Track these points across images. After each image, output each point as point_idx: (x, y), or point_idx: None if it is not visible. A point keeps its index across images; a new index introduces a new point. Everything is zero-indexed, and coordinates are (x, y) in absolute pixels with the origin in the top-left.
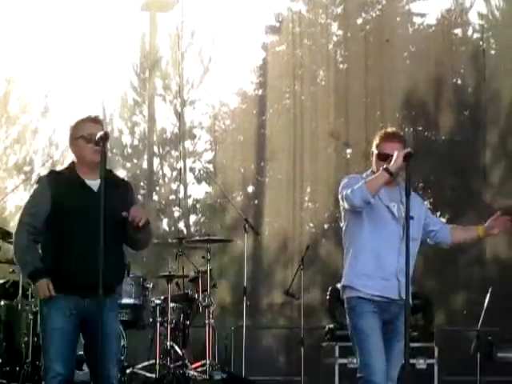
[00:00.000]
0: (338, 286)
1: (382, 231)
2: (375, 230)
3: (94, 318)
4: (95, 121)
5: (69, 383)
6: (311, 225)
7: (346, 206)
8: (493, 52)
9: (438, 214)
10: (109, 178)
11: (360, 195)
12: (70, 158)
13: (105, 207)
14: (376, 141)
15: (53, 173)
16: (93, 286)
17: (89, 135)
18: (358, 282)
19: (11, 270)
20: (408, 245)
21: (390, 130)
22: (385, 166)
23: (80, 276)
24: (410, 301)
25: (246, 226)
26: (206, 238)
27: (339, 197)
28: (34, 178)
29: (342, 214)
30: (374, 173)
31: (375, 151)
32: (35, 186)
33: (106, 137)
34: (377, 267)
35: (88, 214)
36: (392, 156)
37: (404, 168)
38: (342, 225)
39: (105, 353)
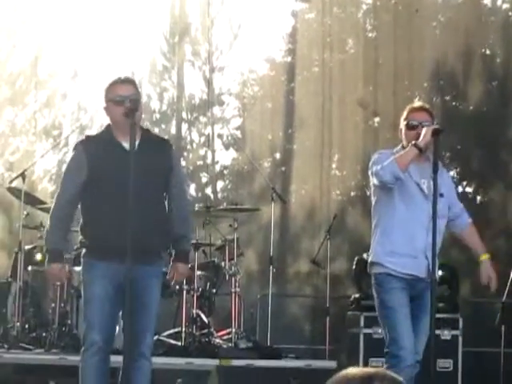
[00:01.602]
0: (365, 256)
1: (412, 208)
2: (405, 206)
3: (132, 287)
4: (124, 82)
5: (106, 351)
6: (338, 192)
7: (376, 182)
8: None
9: (465, 183)
10: (146, 137)
11: (390, 171)
12: (99, 122)
13: (144, 167)
14: (403, 115)
15: (88, 138)
16: (133, 250)
17: (118, 97)
18: (386, 258)
19: (39, 235)
20: (435, 221)
21: (416, 103)
22: (414, 142)
23: (118, 240)
24: (437, 275)
25: (273, 194)
26: (234, 207)
27: (369, 172)
28: (63, 141)
29: (372, 189)
30: (403, 148)
31: (403, 124)
32: (72, 153)
33: (134, 108)
34: (406, 244)
35: (123, 174)
36: (421, 124)
37: (432, 143)
38: (372, 199)
39: (141, 321)
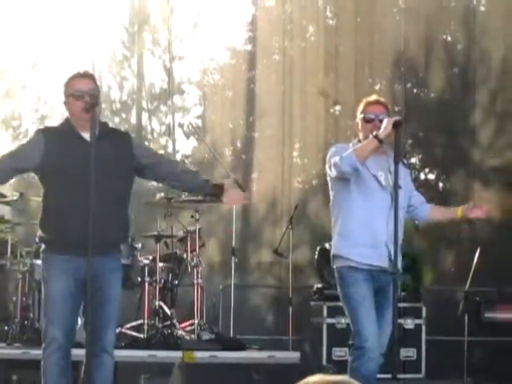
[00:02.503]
0: (327, 245)
1: (371, 200)
2: (363, 198)
3: (93, 280)
4: (83, 76)
5: (67, 348)
6: (299, 180)
7: (335, 173)
8: (483, 9)
9: (427, 170)
10: (105, 129)
11: (349, 162)
12: (59, 113)
13: (104, 159)
14: (360, 109)
15: (49, 128)
16: (93, 242)
17: (77, 92)
18: (347, 251)
19: None
20: (397, 213)
21: (372, 97)
22: (374, 133)
23: (77, 234)
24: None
25: (234, 184)
26: (195, 197)
27: (327, 166)
28: (23, 133)
29: (330, 183)
30: (360, 141)
31: (360, 117)
32: (30, 137)
33: (94, 103)
34: (366, 236)
35: (83, 166)
36: (377, 118)
37: (392, 134)
38: (330, 193)
39: (102, 316)
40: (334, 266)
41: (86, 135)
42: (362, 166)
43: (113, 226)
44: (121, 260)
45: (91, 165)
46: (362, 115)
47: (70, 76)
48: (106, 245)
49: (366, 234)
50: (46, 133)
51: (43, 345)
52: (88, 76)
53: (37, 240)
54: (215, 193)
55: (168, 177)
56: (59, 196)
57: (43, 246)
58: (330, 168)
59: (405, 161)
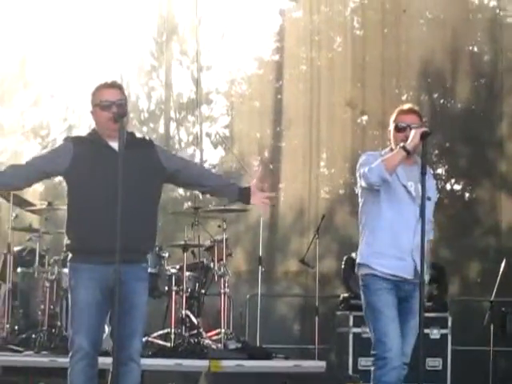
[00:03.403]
0: (353, 255)
1: (399, 210)
2: (392, 208)
3: (120, 288)
4: (111, 86)
5: (93, 356)
6: (326, 190)
7: (364, 183)
8: (509, 20)
9: (453, 181)
10: (131, 139)
11: (377, 173)
12: (87, 122)
13: (131, 169)
14: (392, 117)
15: (77, 136)
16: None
17: (105, 102)
18: (373, 260)
19: (28, 237)
20: (424, 225)
21: (405, 105)
22: (402, 144)
23: (104, 242)
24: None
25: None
26: (222, 207)
27: (357, 174)
28: (51, 142)
29: (359, 191)
30: (391, 150)
31: (392, 125)
32: (59, 143)
33: (122, 112)
34: (392, 246)
35: (111, 175)
36: (409, 127)
37: (420, 145)
38: (359, 201)
39: (129, 325)
40: (359, 274)
41: (114, 144)
42: (391, 176)
43: (140, 235)
44: (148, 269)
45: (119, 174)
46: (394, 124)
47: (98, 86)
48: (133, 253)
49: (391, 244)
50: (74, 141)
51: (70, 353)
52: (116, 86)
53: (64, 249)
54: (242, 195)
55: (196, 180)
56: (86, 204)
57: (70, 255)
58: (359, 177)
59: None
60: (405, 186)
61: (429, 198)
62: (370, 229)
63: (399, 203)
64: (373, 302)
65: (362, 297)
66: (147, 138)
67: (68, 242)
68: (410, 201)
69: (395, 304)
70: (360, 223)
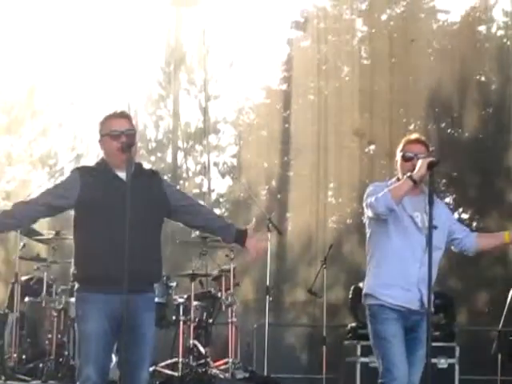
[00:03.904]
0: (361, 284)
1: (406, 241)
2: (399, 239)
3: (128, 318)
4: (120, 116)
5: None
6: (334, 220)
7: (371, 213)
8: None
9: (461, 210)
10: (139, 169)
11: (384, 203)
12: (95, 151)
13: (138, 199)
14: (399, 147)
15: (85, 167)
16: (128, 280)
17: (113, 132)
18: (379, 290)
19: (36, 267)
20: (431, 255)
21: (412, 135)
22: (409, 174)
23: (112, 272)
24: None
25: (270, 225)
26: None
27: (364, 204)
28: (59, 171)
29: (367, 222)
30: (398, 180)
31: (399, 155)
32: (67, 175)
33: (130, 143)
34: (399, 277)
35: (119, 205)
36: (416, 157)
37: (427, 176)
38: (366, 231)
39: (137, 354)
40: (366, 304)
41: (122, 174)
42: (397, 206)
43: (147, 265)
44: (155, 299)
45: (127, 204)
46: (402, 153)
47: (107, 115)
48: (140, 283)
49: (399, 275)
50: (82, 171)
51: (78, 383)
52: (125, 116)
53: (71, 278)
54: (239, 237)
55: (196, 218)
56: (94, 235)
57: (77, 285)
58: (366, 207)
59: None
60: (411, 217)
61: (435, 227)
62: (376, 259)
63: (406, 234)
64: (380, 332)
65: (369, 326)
66: (154, 169)
67: (75, 271)
68: (416, 231)
69: (402, 334)
70: (367, 254)
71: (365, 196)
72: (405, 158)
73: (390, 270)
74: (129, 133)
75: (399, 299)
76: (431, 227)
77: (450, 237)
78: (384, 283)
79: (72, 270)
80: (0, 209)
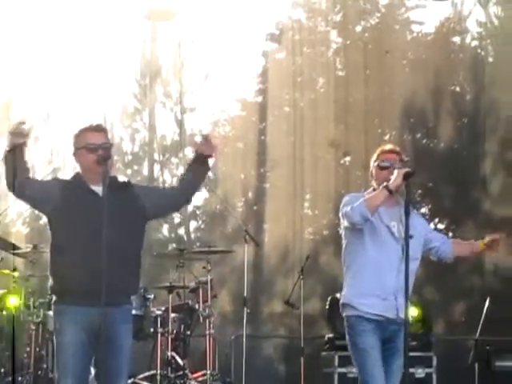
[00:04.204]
0: (338, 295)
1: (382, 250)
2: (375, 249)
3: (105, 331)
4: (96, 129)
5: None
6: (310, 231)
7: (346, 223)
8: (491, 60)
9: (436, 220)
10: (114, 184)
11: (359, 212)
12: (72, 165)
13: (113, 213)
14: (373, 157)
15: (60, 179)
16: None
17: (90, 145)
18: (356, 300)
19: (13, 280)
20: (407, 265)
21: (387, 146)
22: (384, 184)
23: (88, 285)
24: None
25: (246, 236)
26: (207, 249)
27: (340, 214)
28: None
29: (343, 232)
30: (374, 190)
31: (374, 165)
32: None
33: (107, 156)
34: (375, 286)
35: (94, 219)
36: (392, 166)
37: (403, 186)
38: (342, 242)
39: (114, 366)
40: (344, 315)
41: (97, 188)
42: (373, 216)
43: (124, 278)
44: (132, 311)
45: (104, 218)
46: (377, 163)
47: (82, 128)
48: (117, 296)
49: (375, 284)
50: (60, 183)
51: None
52: (100, 129)
53: (48, 291)
54: (197, 159)
55: (173, 202)
56: (70, 248)
57: (54, 298)
58: (342, 217)
59: (415, 210)
60: (388, 227)
61: (411, 237)
62: (353, 269)
63: (382, 243)
64: (357, 343)
65: (347, 337)
66: (127, 180)
67: (52, 284)
68: (393, 241)
69: (379, 345)
70: (344, 264)
71: (341, 206)
72: (381, 167)
73: (367, 279)
74: (105, 146)
75: (376, 308)
76: (407, 237)
77: (427, 246)
78: (361, 293)
79: (49, 282)
80: None
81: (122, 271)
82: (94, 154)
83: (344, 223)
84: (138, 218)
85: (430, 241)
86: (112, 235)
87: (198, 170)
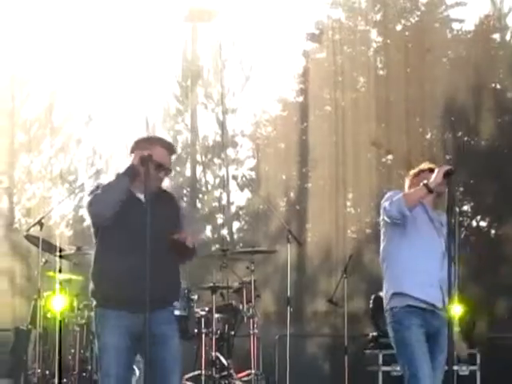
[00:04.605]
0: (381, 293)
1: (425, 244)
2: (418, 242)
3: (151, 335)
4: (170, 150)
5: None
6: (353, 230)
7: (386, 217)
8: None
9: (479, 218)
10: (157, 192)
11: (397, 207)
12: (114, 166)
13: (157, 220)
14: (415, 171)
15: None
16: (145, 301)
17: (159, 163)
18: (408, 287)
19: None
20: (450, 260)
21: (429, 165)
22: (425, 182)
23: (131, 291)
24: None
25: (289, 236)
26: (250, 249)
27: (381, 210)
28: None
29: (383, 229)
30: None
31: (415, 177)
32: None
33: (149, 158)
34: (424, 274)
35: (138, 226)
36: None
37: (443, 184)
38: (381, 238)
39: (167, 366)
40: (388, 306)
41: (140, 195)
42: (411, 211)
43: (166, 286)
44: (174, 312)
45: (148, 224)
46: (418, 176)
47: (155, 138)
48: (160, 302)
49: (423, 273)
50: None
51: None
52: (174, 151)
53: (89, 294)
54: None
55: None
56: (114, 252)
57: (95, 301)
58: (382, 213)
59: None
60: (432, 221)
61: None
62: (400, 261)
63: (425, 237)
64: (404, 338)
65: (393, 333)
66: (171, 192)
67: (93, 288)
68: (436, 236)
69: (425, 339)
70: (383, 259)
71: (382, 201)
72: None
73: (414, 269)
74: (170, 169)
75: (425, 294)
76: (455, 230)
77: None
78: (411, 281)
79: (90, 286)
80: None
81: (164, 280)
82: (157, 172)
83: (384, 218)
84: (176, 226)
85: None
86: (154, 242)
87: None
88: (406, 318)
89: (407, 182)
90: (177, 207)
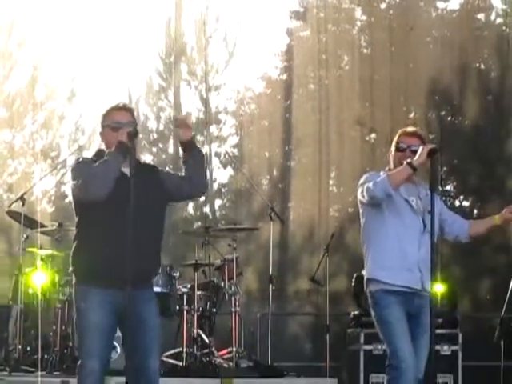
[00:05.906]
0: (363, 272)
1: (403, 223)
2: (396, 222)
3: (132, 311)
4: (123, 109)
5: (102, 378)
6: (336, 209)
7: (367, 198)
8: None
9: (462, 198)
10: (138, 165)
11: (382, 187)
12: (97, 143)
13: (139, 193)
14: (395, 138)
15: (85, 159)
16: (129, 277)
17: (115, 124)
18: (381, 273)
19: (40, 258)
20: (433, 238)
21: (410, 128)
22: (408, 161)
23: (113, 267)
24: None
25: (272, 214)
26: (232, 226)
27: (358, 191)
28: (61, 163)
29: (361, 210)
30: (390, 170)
31: (394, 146)
32: (77, 163)
33: (134, 133)
34: (399, 258)
35: (119, 198)
36: (409, 148)
37: (426, 164)
38: (361, 220)
39: (147, 346)
40: (368, 290)
41: (124, 169)
42: (395, 191)
43: (147, 260)
44: (154, 289)
45: (130, 197)
46: (395, 144)
47: (109, 108)
48: (140, 278)
49: (398, 257)
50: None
51: (80, 375)
52: (126, 109)
53: (70, 270)
54: (184, 150)
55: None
56: (97, 228)
57: (76, 278)
58: (361, 194)
59: (439, 188)
60: (407, 201)
61: (429, 212)
62: (375, 245)
63: (402, 216)
64: (383, 316)
65: (373, 313)
66: (151, 164)
67: (77, 265)
68: (412, 214)
69: (405, 317)
70: (363, 242)
71: (359, 183)
72: (398, 149)
73: (389, 253)
74: (131, 125)
75: (401, 279)
76: (433, 211)
77: (442, 225)
78: (384, 266)
79: (70, 261)
80: (11, 199)
81: (145, 253)
82: (118, 133)
83: (364, 199)
84: (161, 199)
85: (444, 220)
86: (138, 216)
87: (190, 158)
88: (383, 298)
89: (391, 158)
90: (157, 175)
